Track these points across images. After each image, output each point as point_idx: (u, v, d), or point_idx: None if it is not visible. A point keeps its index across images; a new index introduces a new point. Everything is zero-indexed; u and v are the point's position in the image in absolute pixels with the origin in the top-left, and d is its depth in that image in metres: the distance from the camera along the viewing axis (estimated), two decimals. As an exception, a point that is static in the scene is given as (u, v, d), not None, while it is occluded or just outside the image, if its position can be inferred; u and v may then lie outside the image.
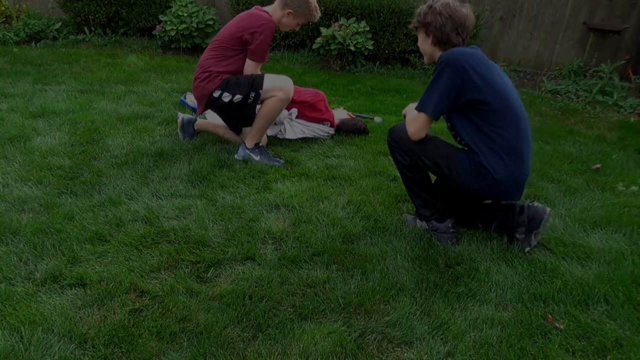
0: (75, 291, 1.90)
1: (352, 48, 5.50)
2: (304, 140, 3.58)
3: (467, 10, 2.22)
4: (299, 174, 3.02)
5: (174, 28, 5.78)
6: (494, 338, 1.80)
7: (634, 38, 5.92)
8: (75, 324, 1.74)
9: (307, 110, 3.61)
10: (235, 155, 3.17)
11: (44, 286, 1.91)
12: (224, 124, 3.36)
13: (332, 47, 5.55)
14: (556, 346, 1.79)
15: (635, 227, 2.63)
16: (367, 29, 5.60)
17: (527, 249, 2.33)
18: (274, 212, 2.59)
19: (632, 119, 4.93)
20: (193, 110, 4.00)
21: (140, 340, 1.68)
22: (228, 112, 3.20)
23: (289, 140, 3.56)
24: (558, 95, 5.62)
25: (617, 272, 2.22)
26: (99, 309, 1.82)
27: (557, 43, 6.25)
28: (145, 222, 2.39)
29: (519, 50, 6.43)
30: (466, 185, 2.23)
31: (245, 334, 1.75)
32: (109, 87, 4.55)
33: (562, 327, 1.89)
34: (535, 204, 2.34)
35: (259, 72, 3.09)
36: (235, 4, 6.03)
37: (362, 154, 3.41)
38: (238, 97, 3.01)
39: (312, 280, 2.05)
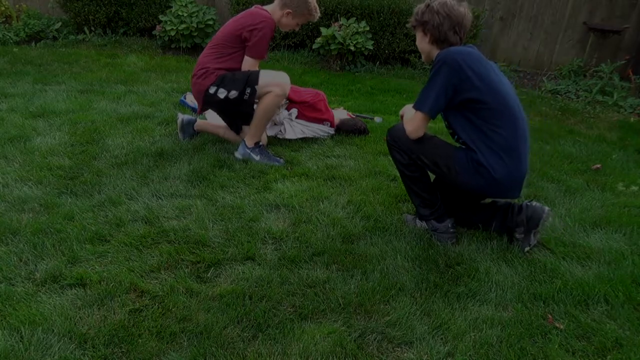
0: (75, 291, 1.90)
1: (352, 48, 5.50)
2: (304, 140, 3.58)
3: (464, 9, 2.23)
4: (299, 174, 3.02)
5: (174, 28, 5.78)
6: (494, 338, 1.80)
7: (634, 38, 5.92)
8: (75, 324, 1.74)
9: (307, 110, 3.61)
10: (235, 153, 3.17)
11: (44, 286, 1.91)
12: (224, 124, 3.36)
13: (332, 47, 5.55)
14: (556, 346, 1.79)
15: (635, 227, 2.63)
16: (367, 29, 5.60)
17: (526, 249, 2.33)
18: (274, 212, 2.59)
19: (632, 119, 4.93)
20: (193, 110, 4.00)
21: (140, 340, 1.68)
22: (226, 110, 3.19)
23: (289, 140, 3.56)
24: (558, 95, 5.62)
25: (617, 272, 2.22)
26: (99, 309, 1.82)
27: (557, 43, 6.25)
28: (145, 222, 2.39)
29: (519, 50, 6.43)
30: (465, 184, 2.23)
31: (245, 334, 1.75)
32: (109, 87, 4.55)
33: (562, 327, 1.89)
34: (534, 203, 2.34)
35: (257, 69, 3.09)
36: (235, 4, 6.03)
37: (362, 154, 3.41)
38: (233, 92, 2.99)
39: (312, 280, 2.05)
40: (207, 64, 3.05)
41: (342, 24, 5.57)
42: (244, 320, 1.82)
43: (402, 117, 2.42)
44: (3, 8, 6.42)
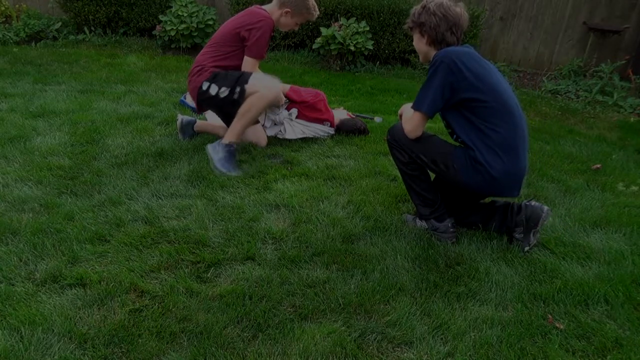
0: (75, 291, 1.90)
1: (352, 48, 5.50)
2: (304, 140, 3.58)
3: (460, 9, 2.25)
4: (299, 174, 3.02)
5: (174, 28, 5.78)
6: (494, 338, 1.80)
7: (634, 38, 5.92)
8: (75, 324, 1.74)
9: (307, 110, 3.61)
10: (208, 145, 3.05)
11: (44, 286, 1.91)
12: (224, 124, 3.35)
13: (332, 47, 5.55)
14: (556, 346, 1.79)
15: (635, 227, 2.63)
16: (367, 29, 5.60)
17: (526, 248, 2.33)
18: (274, 212, 2.59)
19: (632, 119, 4.94)
20: (193, 110, 4.00)
21: (140, 340, 1.68)
22: (220, 109, 3.18)
23: (289, 140, 3.56)
24: (558, 95, 5.62)
25: (617, 272, 2.22)
26: (99, 309, 1.82)
27: (557, 43, 6.25)
28: (145, 222, 2.39)
29: (519, 50, 6.43)
30: (463, 182, 2.24)
31: (245, 334, 1.75)
32: (109, 87, 4.55)
33: (562, 327, 1.89)
34: (533, 202, 2.35)
35: (257, 69, 3.08)
36: (235, 3, 6.04)
37: (362, 154, 3.41)
38: (224, 90, 2.97)
39: (312, 280, 2.05)
40: (203, 61, 3.05)
41: (342, 24, 5.58)
42: (244, 320, 1.82)
43: (400, 116, 2.43)
44: (3, 8, 6.42)
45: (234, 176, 2.90)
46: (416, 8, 2.30)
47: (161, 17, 5.92)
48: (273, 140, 3.54)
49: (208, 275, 2.06)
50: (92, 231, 2.26)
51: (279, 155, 3.31)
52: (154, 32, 6.06)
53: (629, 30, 5.91)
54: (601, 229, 2.61)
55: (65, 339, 1.67)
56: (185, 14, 5.81)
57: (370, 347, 1.74)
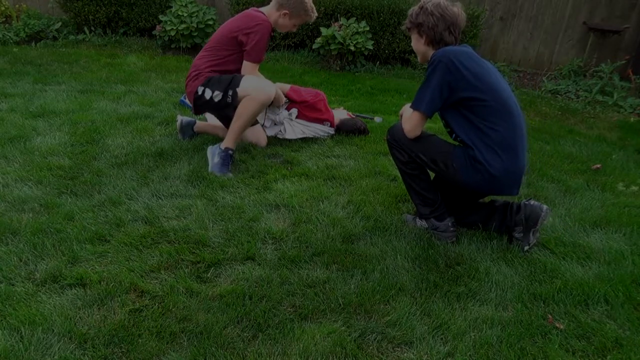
0: (75, 291, 1.90)
1: (352, 48, 5.50)
2: (304, 140, 3.58)
3: (458, 9, 2.26)
4: (299, 174, 3.02)
5: (174, 28, 5.78)
6: (494, 338, 1.80)
7: (634, 38, 5.92)
8: (75, 324, 1.74)
9: (307, 110, 3.61)
10: (209, 147, 3.07)
11: (44, 286, 1.91)
12: (223, 125, 3.36)
13: (332, 47, 5.55)
14: (556, 346, 1.79)
15: (635, 227, 2.63)
16: (367, 29, 5.60)
17: (526, 248, 2.33)
18: (274, 212, 2.59)
19: (632, 119, 4.94)
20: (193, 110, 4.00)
21: (140, 340, 1.68)
22: (216, 112, 3.19)
23: (289, 140, 3.56)
24: (558, 95, 5.62)
25: (617, 272, 2.22)
26: (99, 309, 1.82)
27: (557, 43, 6.25)
28: (145, 222, 2.39)
29: (519, 50, 6.43)
30: (463, 181, 2.25)
31: (245, 334, 1.75)
32: (109, 87, 4.55)
33: (562, 327, 1.89)
34: (532, 202, 2.35)
35: (257, 73, 3.08)
36: (235, 4, 6.04)
37: (362, 154, 3.41)
38: (217, 93, 2.97)
39: (312, 280, 2.05)
40: (200, 66, 3.06)
41: (342, 24, 5.58)
42: (244, 320, 1.82)
43: (401, 116, 2.44)
44: (3, 8, 6.42)
45: (231, 177, 2.91)
46: (414, 9, 2.32)
47: (161, 17, 5.92)
48: (273, 140, 3.54)
49: (208, 275, 2.06)
50: (92, 231, 2.26)
51: (279, 155, 3.31)
52: (154, 32, 6.06)
53: (629, 30, 5.91)
54: (601, 229, 2.62)
55: (65, 339, 1.67)
56: (185, 14, 5.81)
57: (370, 347, 1.74)
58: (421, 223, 2.49)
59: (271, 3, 3.09)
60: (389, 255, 2.26)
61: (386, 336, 1.79)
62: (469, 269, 2.20)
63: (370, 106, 4.55)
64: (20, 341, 1.64)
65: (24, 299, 1.83)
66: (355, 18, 5.67)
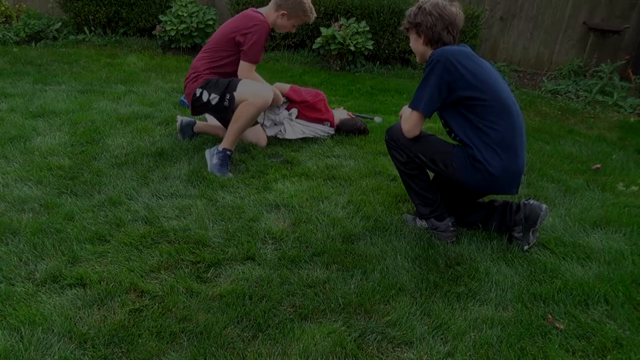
0: (75, 291, 1.90)
1: (352, 48, 5.50)
2: (304, 140, 3.58)
3: (456, 9, 2.27)
4: (299, 174, 3.02)
5: (174, 28, 5.78)
6: (494, 338, 1.80)
7: (634, 38, 5.92)
8: (75, 324, 1.74)
9: (307, 110, 3.61)
10: (206, 150, 3.08)
11: (44, 286, 1.91)
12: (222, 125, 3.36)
13: (332, 47, 5.55)
14: (556, 346, 1.79)
15: (635, 227, 2.63)
16: (367, 29, 5.60)
17: (525, 247, 2.33)
18: (274, 212, 2.59)
19: (632, 119, 4.94)
20: (193, 110, 4.00)
21: (140, 340, 1.68)
22: (215, 114, 3.19)
23: (289, 140, 3.56)
24: (558, 95, 5.62)
25: (617, 272, 2.22)
26: (99, 309, 1.82)
27: (557, 43, 6.25)
28: (145, 222, 2.39)
29: (519, 50, 6.43)
30: (463, 181, 2.25)
31: (245, 334, 1.75)
32: (109, 87, 4.55)
33: (562, 327, 1.89)
34: (532, 201, 2.35)
35: (254, 74, 3.06)
36: (235, 4, 6.04)
37: (362, 154, 3.41)
38: (214, 96, 2.97)
39: (312, 280, 2.05)
40: (199, 67, 3.05)
41: (342, 24, 5.58)
42: (244, 320, 1.82)
43: (400, 117, 2.44)
44: (3, 8, 6.42)
45: (231, 177, 2.91)
46: (412, 9, 2.32)
47: (161, 17, 5.92)
48: (273, 140, 3.54)
49: (208, 275, 2.06)
50: (92, 231, 2.26)
51: (279, 155, 3.31)
52: (154, 32, 6.06)
53: (629, 30, 5.91)
54: (601, 229, 2.61)
55: (65, 339, 1.67)
56: (185, 14, 5.81)
57: (370, 347, 1.74)
58: (421, 223, 2.49)
59: (270, 3, 3.08)
60: (389, 255, 2.26)
61: (386, 336, 1.79)
62: (469, 269, 2.20)
63: (370, 106, 4.55)
64: (20, 341, 1.64)
65: (24, 299, 1.83)
66: (355, 18, 5.67)
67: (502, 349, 1.76)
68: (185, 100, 4.13)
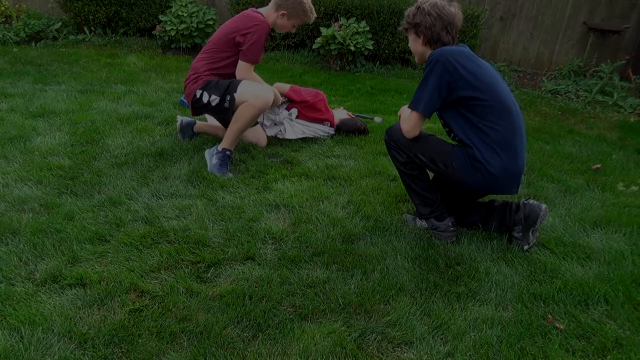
0: (75, 291, 1.90)
1: (352, 48, 5.50)
2: (304, 140, 3.58)
3: (455, 9, 2.27)
4: (299, 174, 3.02)
5: (174, 28, 5.78)
6: (494, 338, 1.80)
7: (634, 38, 5.92)
8: (75, 324, 1.74)
9: (307, 110, 3.61)
10: (206, 150, 3.09)
11: (44, 286, 1.91)
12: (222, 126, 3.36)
13: (332, 47, 5.55)
14: (556, 346, 1.79)
15: (635, 227, 2.63)
16: (367, 29, 5.60)
17: (525, 247, 2.33)
18: (274, 212, 2.59)
19: (632, 119, 4.94)
20: (193, 110, 4.00)
21: (140, 340, 1.68)
22: (215, 115, 3.19)
23: (289, 140, 3.56)
24: (558, 95, 5.62)
25: (617, 272, 2.22)
26: (99, 309, 1.82)
27: (557, 43, 6.25)
28: (145, 222, 2.39)
29: (519, 50, 6.43)
30: (463, 181, 2.25)
31: (245, 334, 1.75)
32: (109, 87, 4.55)
33: (562, 327, 1.89)
34: (531, 201, 2.36)
35: (252, 74, 3.05)
36: (235, 4, 6.04)
37: (362, 154, 3.41)
38: (214, 98, 2.97)
39: (312, 280, 2.05)
40: (199, 68, 3.05)
41: (342, 24, 5.58)
42: (244, 320, 1.82)
43: (400, 117, 2.44)
44: (3, 8, 6.42)
45: (231, 177, 2.91)
46: (410, 9, 2.32)
47: (161, 17, 5.92)
48: (273, 140, 3.54)
49: (208, 275, 2.06)
50: (92, 231, 2.26)
51: (279, 155, 3.31)
52: (154, 32, 6.06)
53: (629, 30, 5.91)
54: (601, 229, 2.61)
55: (65, 339, 1.67)
56: (185, 14, 5.81)
57: (370, 347, 1.74)
58: (421, 223, 2.49)
59: (270, 3, 3.08)
60: (389, 255, 2.26)
61: (386, 336, 1.79)
62: (469, 269, 2.20)
63: (370, 106, 4.55)
64: (20, 341, 1.64)
65: (24, 299, 1.83)
66: (355, 18, 5.67)
67: (502, 349, 1.76)
68: (185, 101, 4.15)
